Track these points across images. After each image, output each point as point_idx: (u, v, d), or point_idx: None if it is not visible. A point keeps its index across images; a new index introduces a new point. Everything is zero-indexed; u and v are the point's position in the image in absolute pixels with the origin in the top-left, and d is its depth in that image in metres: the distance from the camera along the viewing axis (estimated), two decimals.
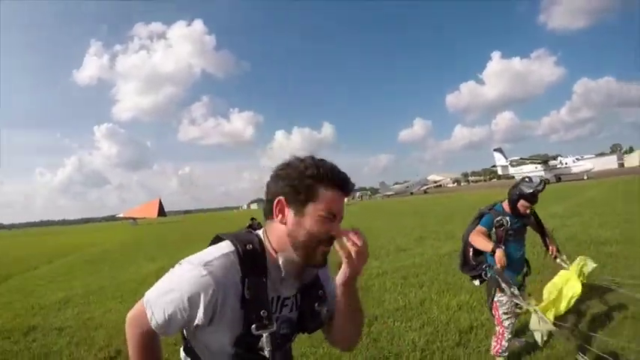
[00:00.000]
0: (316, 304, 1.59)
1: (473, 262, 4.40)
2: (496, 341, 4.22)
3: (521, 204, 4.04)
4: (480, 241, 4.04)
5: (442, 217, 21.55)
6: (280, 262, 1.44)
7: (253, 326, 1.36)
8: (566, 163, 57.53)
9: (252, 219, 1.75)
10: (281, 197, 1.42)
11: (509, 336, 4.14)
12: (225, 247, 1.42)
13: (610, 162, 62.65)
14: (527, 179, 4.09)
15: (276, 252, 1.45)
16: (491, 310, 4.25)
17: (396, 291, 7.33)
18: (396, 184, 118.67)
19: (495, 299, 4.12)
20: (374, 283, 8.07)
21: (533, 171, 59.79)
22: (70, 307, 8.57)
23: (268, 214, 1.48)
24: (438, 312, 5.91)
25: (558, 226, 12.56)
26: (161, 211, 66.71)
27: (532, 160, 63.23)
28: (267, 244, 1.47)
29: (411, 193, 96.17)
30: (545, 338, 3.82)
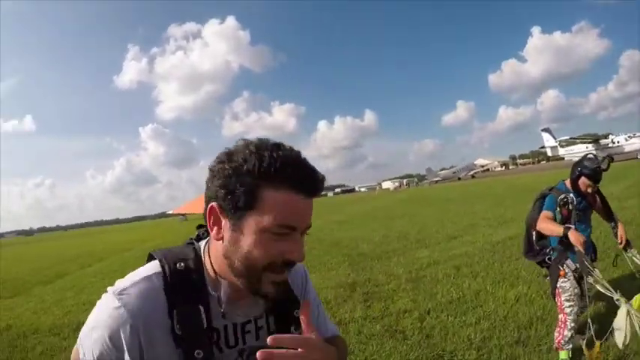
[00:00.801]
0: (292, 328, 1.14)
1: (537, 247, 4.19)
2: (558, 331, 3.91)
3: (583, 182, 3.79)
4: (547, 227, 3.81)
5: (492, 202, 20.74)
6: (222, 290, 1.03)
7: None
8: (618, 142, 54.36)
9: (200, 226, 1.23)
10: (213, 203, 0.96)
11: (573, 324, 3.80)
12: (151, 268, 1.03)
13: None
14: (591, 155, 3.87)
15: (216, 273, 1.04)
16: (554, 297, 3.98)
17: (448, 282, 6.99)
18: (443, 169, 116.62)
19: (558, 285, 3.87)
20: (425, 274, 7.76)
21: (584, 151, 56.75)
22: None
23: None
24: (495, 305, 5.54)
25: (616, 208, 11.79)
26: None
27: (582, 139, 60.20)
28: (207, 262, 1.06)
29: (459, 179, 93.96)
30: (627, 341, 3.31)
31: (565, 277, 3.81)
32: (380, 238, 13.76)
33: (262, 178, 0.91)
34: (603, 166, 3.75)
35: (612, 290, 3.43)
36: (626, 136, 53.26)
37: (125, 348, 0.93)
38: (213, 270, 1.04)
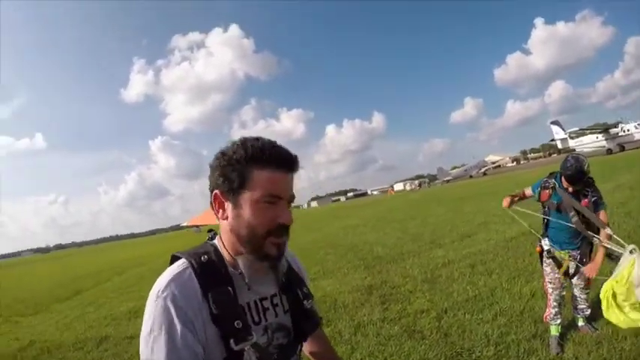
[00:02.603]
0: (305, 302, 1.41)
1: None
2: (547, 307, 4.31)
3: (564, 180, 3.93)
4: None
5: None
6: (241, 266, 1.24)
7: (231, 341, 1.13)
8: (628, 130, 53.26)
9: (210, 230, 1.46)
10: (216, 190, 1.23)
11: (555, 303, 4.17)
12: (180, 265, 1.22)
13: None
14: (569, 158, 3.88)
15: (231, 255, 1.26)
16: None
17: (464, 280, 7.00)
18: (454, 168, 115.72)
19: (543, 267, 4.28)
20: (441, 274, 7.77)
21: (595, 141, 56.23)
22: (140, 316, 8.68)
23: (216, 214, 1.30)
24: (511, 301, 5.54)
25: (627, 197, 11.71)
26: None
27: (592, 129, 59.23)
28: (222, 249, 1.28)
29: (470, 176, 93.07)
30: None
31: (546, 261, 4.19)
32: (394, 240, 13.74)
33: (249, 162, 1.19)
34: (583, 168, 3.73)
35: (624, 243, 3.43)
36: (636, 124, 51.93)
37: (188, 335, 1.10)
38: (228, 252, 1.27)
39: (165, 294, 1.13)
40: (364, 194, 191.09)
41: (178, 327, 1.09)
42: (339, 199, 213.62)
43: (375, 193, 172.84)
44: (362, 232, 18.75)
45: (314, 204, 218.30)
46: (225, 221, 1.24)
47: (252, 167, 1.18)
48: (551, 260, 4.14)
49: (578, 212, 3.87)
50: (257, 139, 1.23)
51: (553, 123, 67.79)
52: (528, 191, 4.34)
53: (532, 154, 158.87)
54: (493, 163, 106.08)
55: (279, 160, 1.21)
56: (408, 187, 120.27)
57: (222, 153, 1.23)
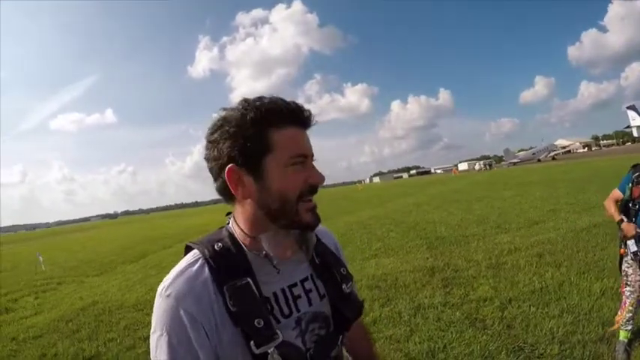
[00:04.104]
0: (344, 286, 1.16)
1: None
2: (620, 312, 3.85)
3: None
4: (607, 209, 3.79)
5: (575, 186, 19.23)
6: (265, 246, 1.04)
7: (252, 343, 0.92)
8: None
9: (229, 213, 1.19)
10: (231, 165, 0.99)
11: (631, 308, 3.70)
12: (191, 256, 1.05)
13: None
14: None
15: (252, 237, 1.05)
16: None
17: (530, 271, 6.63)
18: (522, 150, 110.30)
19: (623, 267, 3.75)
20: (506, 261, 7.43)
21: None
22: None
23: (227, 196, 1.06)
24: (579, 298, 5.19)
25: None
26: None
27: None
28: (238, 233, 1.07)
29: (539, 160, 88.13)
30: None
31: (628, 262, 3.65)
32: (458, 221, 13.28)
33: (265, 123, 0.98)
34: None
35: None
36: None
37: (192, 337, 0.93)
38: (249, 236, 1.06)
39: (168, 292, 0.96)
40: (427, 172, 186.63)
41: (180, 330, 0.93)
42: (401, 176, 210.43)
43: (438, 172, 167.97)
44: (425, 210, 18.38)
45: (376, 179, 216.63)
46: (248, 201, 1.03)
47: (269, 128, 0.99)
48: (636, 262, 3.69)
49: None
50: (260, 97, 1.02)
51: (629, 108, 61.66)
52: (617, 194, 3.79)
53: (604, 141, 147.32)
54: (563, 147, 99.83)
55: (297, 115, 1.03)
56: (476, 167, 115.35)
57: (226, 120, 1.00)
